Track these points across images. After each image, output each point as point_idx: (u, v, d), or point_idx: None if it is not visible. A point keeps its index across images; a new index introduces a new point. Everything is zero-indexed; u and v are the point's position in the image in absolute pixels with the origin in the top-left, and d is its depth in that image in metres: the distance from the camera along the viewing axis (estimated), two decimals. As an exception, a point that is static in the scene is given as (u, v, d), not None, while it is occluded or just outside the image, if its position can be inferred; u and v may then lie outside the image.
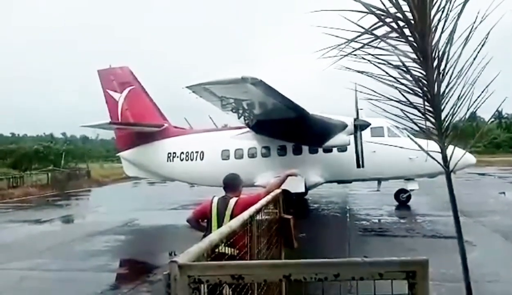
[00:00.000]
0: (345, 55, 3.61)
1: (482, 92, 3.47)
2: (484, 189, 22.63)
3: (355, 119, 15.08)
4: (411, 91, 3.65)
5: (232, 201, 5.11)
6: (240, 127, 17.53)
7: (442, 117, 3.60)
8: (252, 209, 3.84)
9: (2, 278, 8.74)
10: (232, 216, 4.87)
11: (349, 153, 15.85)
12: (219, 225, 4.92)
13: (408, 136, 13.45)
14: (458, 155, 3.82)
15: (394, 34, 3.51)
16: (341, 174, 16.97)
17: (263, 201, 4.47)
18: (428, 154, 3.88)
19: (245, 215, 3.56)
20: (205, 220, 5.24)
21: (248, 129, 16.85)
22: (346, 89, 4.40)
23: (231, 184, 5.45)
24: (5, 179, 30.81)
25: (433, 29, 3.42)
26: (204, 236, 3.61)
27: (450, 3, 3.32)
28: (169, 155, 19.11)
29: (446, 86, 3.54)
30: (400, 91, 3.68)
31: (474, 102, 3.50)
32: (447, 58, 3.47)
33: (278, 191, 5.53)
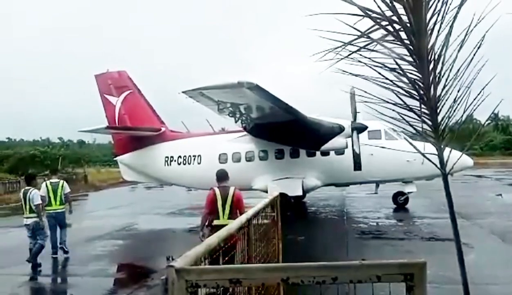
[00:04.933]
0: (341, 59, 3.61)
1: (478, 94, 3.48)
2: (481, 191, 22.65)
3: (352, 122, 15.10)
4: (407, 94, 3.66)
5: (232, 188, 6.77)
6: (237, 131, 17.51)
7: (439, 120, 3.61)
8: (249, 213, 3.85)
9: (1, 283, 8.70)
10: (233, 200, 6.69)
11: (347, 156, 15.85)
12: (224, 208, 6.65)
13: (405, 139, 13.50)
14: (455, 157, 3.83)
15: (390, 37, 3.51)
16: (338, 177, 16.95)
17: (260, 205, 4.47)
18: (425, 157, 3.89)
19: (243, 218, 3.56)
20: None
21: (245, 132, 16.84)
22: (345, 92, 4.41)
23: (225, 175, 7.04)
24: (2, 184, 30.65)
25: (429, 32, 3.43)
26: (209, 224, 5.82)
27: (446, 6, 3.33)
28: (167, 158, 19.04)
29: (442, 89, 3.55)
30: (396, 94, 3.69)
31: (470, 104, 3.51)
32: (443, 60, 3.48)
33: (275, 194, 5.57)
